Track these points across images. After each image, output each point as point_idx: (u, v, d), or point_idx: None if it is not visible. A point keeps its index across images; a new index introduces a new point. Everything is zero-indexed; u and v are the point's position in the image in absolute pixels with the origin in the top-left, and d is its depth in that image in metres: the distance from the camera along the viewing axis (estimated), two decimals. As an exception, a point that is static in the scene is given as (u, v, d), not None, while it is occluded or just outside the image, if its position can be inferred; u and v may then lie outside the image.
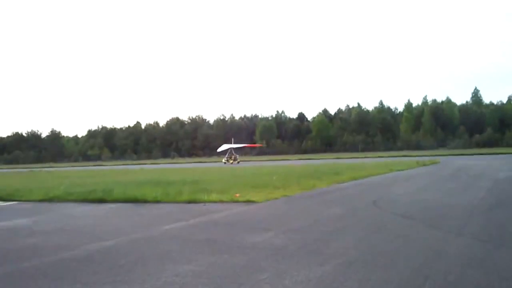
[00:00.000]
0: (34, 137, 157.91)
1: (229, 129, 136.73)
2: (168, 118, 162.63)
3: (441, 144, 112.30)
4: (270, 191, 18.55)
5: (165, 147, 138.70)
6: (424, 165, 39.23)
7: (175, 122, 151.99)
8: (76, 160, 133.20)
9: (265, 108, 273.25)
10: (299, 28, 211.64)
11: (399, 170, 32.76)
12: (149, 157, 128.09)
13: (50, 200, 19.09)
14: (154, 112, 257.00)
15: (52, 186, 23.92)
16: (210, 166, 57.78)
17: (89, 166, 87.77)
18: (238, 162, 68.52)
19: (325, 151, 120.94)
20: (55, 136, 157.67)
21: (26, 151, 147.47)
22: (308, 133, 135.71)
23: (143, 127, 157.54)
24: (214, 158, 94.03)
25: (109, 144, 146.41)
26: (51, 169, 75.42)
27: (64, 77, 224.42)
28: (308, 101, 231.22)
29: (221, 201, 15.94)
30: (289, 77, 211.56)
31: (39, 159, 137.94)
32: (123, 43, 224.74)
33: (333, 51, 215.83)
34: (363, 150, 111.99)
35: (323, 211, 13.08)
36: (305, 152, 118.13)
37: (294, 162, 63.12)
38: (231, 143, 75.85)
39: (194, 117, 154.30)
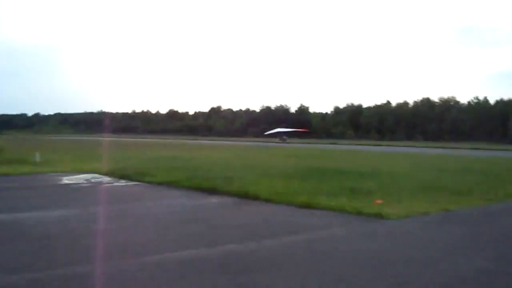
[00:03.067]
0: (282, 111, 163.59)
1: (482, 113, 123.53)
2: (419, 98, 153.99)
3: None
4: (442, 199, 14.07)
5: (411, 129, 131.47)
6: None
7: (424, 103, 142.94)
8: (319, 137, 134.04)
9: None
10: None
11: None
12: (392, 139, 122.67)
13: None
14: (404, 91, 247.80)
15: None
16: (432, 153, 50.30)
17: (324, 144, 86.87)
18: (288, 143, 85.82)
19: None
20: (302, 111, 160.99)
21: (274, 125, 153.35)
22: None
23: (393, 106, 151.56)
24: (461, 144, 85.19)
25: (354, 122, 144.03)
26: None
27: (314, 51, 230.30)
28: None
29: (343, 211, 12.08)
30: None
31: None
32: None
33: None
34: None
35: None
36: None
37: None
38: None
39: (445, 98, 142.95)
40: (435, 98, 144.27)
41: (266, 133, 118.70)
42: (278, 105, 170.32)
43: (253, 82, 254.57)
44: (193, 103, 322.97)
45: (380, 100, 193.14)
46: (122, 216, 11.91)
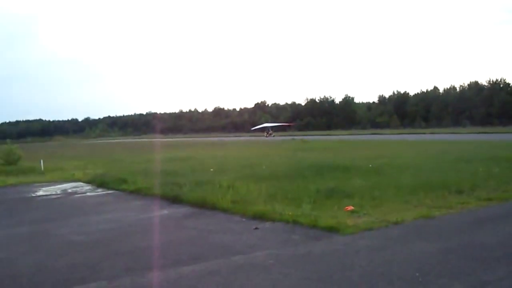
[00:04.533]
0: (327, 103, 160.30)
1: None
2: (467, 82, 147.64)
3: None
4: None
5: (458, 115, 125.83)
6: None
7: (472, 87, 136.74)
8: (364, 128, 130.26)
9: None
10: None
11: None
12: (439, 126, 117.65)
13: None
14: (453, 76, 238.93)
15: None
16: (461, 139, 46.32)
17: (363, 134, 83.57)
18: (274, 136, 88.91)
19: None
20: (346, 102, 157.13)
21: (319, 117, 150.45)
22: None
23: (441, 92, 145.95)
24: (509, 128, 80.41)
25: (399, 111, 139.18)
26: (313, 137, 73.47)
27: (358, 40, 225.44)
28: None
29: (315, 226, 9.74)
30: None
31: (329, 126, 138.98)
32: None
33: None
34: None
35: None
36: None
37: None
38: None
39: (494, 80, 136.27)
40: (483, 81, 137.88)
41: (253, 128, 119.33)
42: (323, 97, 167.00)
43: (297, 75, 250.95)
44: (239, 99, 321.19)
45: (427, 87, 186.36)
46: (31, 238, 10.24)
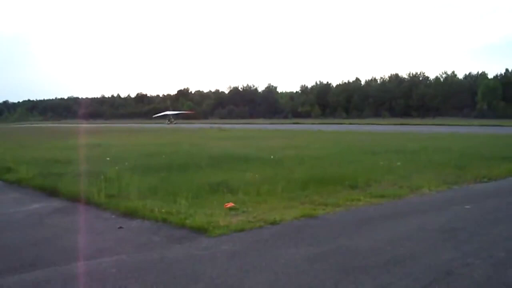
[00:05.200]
0: (250, 91, 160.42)
1: (448, 88, 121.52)
2: (388, 74, 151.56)
3: None
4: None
5: (378, 106, 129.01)
6: None
7: (392, 79, 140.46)
8: (286, 117, 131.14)
9: (493, 65, 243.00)
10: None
11: None
12: (359, 116, 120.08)
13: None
14: (375, 68, 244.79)
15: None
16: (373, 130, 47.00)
17: (284, 124, 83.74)
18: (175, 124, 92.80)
19: None
20: (269, 91, 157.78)
21: (241, 106, 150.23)
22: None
23: (362, 83, 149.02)
24: (426, 120, 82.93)
25: (321, 101, 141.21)
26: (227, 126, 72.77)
27: (283, 30, 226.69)
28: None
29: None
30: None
31: (252, 115, 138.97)
32: None
33: None
34: None
35: None
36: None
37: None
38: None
39: (414, 73, 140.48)
40: (404, 74, 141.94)
41: (154, 115, 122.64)
42: (246, 85, 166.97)
43: (222, 63, 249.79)
44: (162, 86, 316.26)
45: (349, 78, 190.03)
46: None
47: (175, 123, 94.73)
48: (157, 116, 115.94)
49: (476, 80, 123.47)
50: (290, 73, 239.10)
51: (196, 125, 77.30)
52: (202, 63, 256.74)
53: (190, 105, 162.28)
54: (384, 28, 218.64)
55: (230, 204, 9.92)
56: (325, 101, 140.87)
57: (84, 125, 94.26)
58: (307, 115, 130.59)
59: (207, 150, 22.46)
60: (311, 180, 12.97)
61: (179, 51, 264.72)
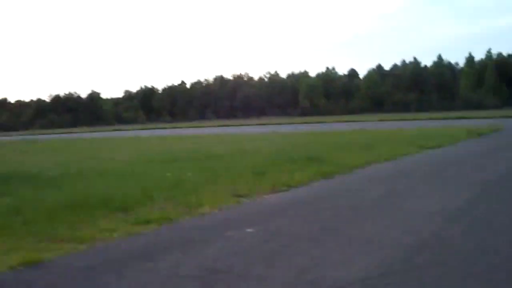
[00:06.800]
0: (73, 99, 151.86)
1: (271, 88, 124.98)
2: (213, 76, 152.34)
3: (507, 103, 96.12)
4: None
5: (203, 108, 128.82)
6: (480, 134, 27.49)
7: (217, 81, 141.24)
8: (110, 124, 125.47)
9: (315, 64, 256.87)
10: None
11: (433, 148, 21.29)
12: (184, 120, 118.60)
13: None
14: (200, 71, 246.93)
15: None
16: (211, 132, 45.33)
17: (106, 131, 78.93)
18: None
19: (374, 111, 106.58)
20: (93, 97, 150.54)
21: (64, 114, 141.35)
22: (358, 92, 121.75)
23: (188, 86, 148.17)
24: (252, 120, 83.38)
25: (146, 106, 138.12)
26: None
27: (107, 34, 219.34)
28: (360, 56, 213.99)
29: None
30: (341, 29, 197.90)
31: (75, 123, 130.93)
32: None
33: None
34: (417, 110, 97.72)
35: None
36: (352, 112, 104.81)
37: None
38: None
39: (238, 75, 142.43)
40: (228, 75, 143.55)
41: None
42: (67, 92, 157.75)
43: (43, 69, 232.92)
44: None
45: (175, 81, 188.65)
46: None
47: None
48: None
49: (299, 79, 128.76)
50: (113, 79, 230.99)
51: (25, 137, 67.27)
52: (22, 71, 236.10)
53: (8, 116, 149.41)
54: (209, 29, 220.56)
55: None
56: (149, 106, 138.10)
57: None
58: (132, 120, 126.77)
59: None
60: (72, 204, 9.60)
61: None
